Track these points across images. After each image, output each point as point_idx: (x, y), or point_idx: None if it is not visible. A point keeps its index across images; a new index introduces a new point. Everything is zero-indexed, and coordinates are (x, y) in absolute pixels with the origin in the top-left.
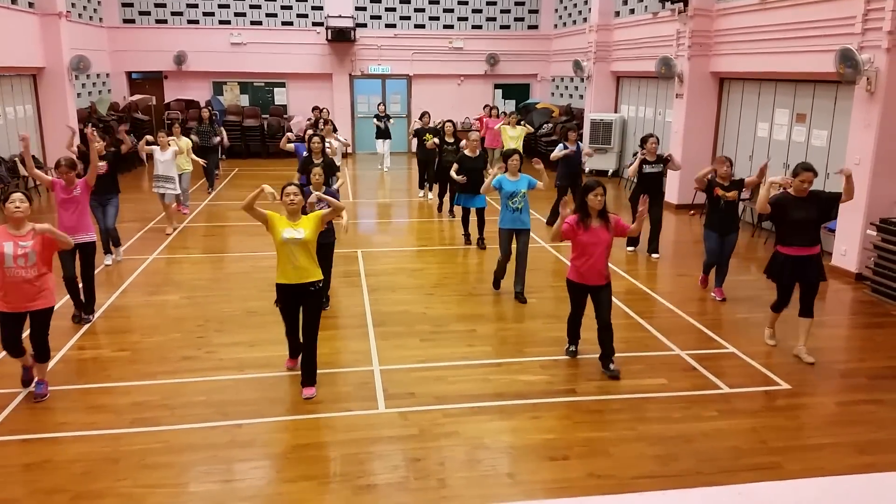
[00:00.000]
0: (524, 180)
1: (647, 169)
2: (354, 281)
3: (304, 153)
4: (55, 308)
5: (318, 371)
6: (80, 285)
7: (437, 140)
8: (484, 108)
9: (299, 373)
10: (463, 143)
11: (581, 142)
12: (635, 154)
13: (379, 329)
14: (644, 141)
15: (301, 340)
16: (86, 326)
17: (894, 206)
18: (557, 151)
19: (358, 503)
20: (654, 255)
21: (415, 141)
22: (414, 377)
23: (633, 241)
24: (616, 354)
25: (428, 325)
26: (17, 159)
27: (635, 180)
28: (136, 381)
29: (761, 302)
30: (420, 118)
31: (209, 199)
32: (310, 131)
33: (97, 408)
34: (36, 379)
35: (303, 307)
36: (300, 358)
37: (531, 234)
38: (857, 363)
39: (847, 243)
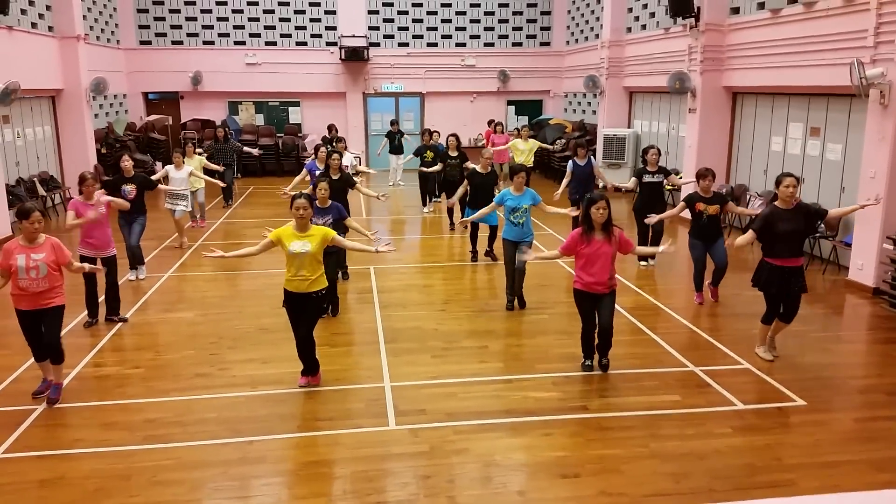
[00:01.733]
0: (528, 196)
1: (648, 178)
2: (367, 297)
3: (318, 171)
4: (67, 324)
5: (329, 388)
6: (101, 298)
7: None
8: (489, 124)
9: (312, 390)
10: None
11: (594, 157)
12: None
13: (390, 345)
14: (645, 152)
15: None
16: (100, 344)
17: None
18: (568, 171)
19: None
20: (650, 263)
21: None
22: (425, 393)
23: (645, 257)
24: (629, 371)
25: (439, 342)
26: (35, 180)
27: (638, 191)
28: (149, 398)
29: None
30: (423, 134)
31: (224, 217)
32: (325, 148)
33: (111, 424)
34: (53, 383)
35: (303, 312)
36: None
37: (542, 248)
38: (876, 379)
39: (864, 258)
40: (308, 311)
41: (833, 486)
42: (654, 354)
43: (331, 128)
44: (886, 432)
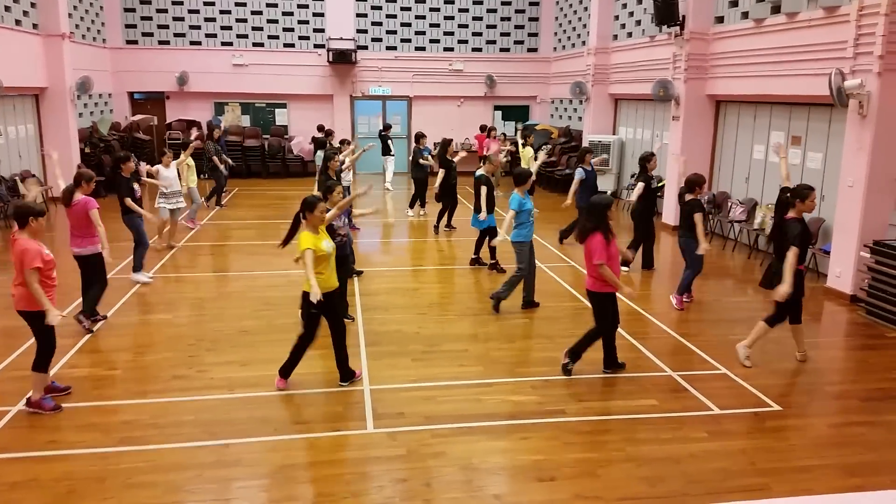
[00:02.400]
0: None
1: (654, 185)
2: (349, 300)
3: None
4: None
5: (308, 391)
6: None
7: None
8: (482, 130)
9: (288, 392)
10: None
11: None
12: (633, 176)
13: (371, 349)
14: (647, 160)
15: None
16: (78, 345)
17: (888, 228)
18: (577, 178)
19: None
20: (629, 268)
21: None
22: (404, 397)
23: (626, 263)
24: (607, 375)
25: (420, 345)
26: (17, 178)
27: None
28: (126, 400)
29: (755, 323)
30: (416, 140)
31: (208, 219)
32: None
33: (86, 426)
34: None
35: (327, 316)
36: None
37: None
38: (850, 385)
39: (842, 265)
40: (334, 310)
41: (805, 490)
42: (633, 359)
43: (321, 128)
44: (859, 437)
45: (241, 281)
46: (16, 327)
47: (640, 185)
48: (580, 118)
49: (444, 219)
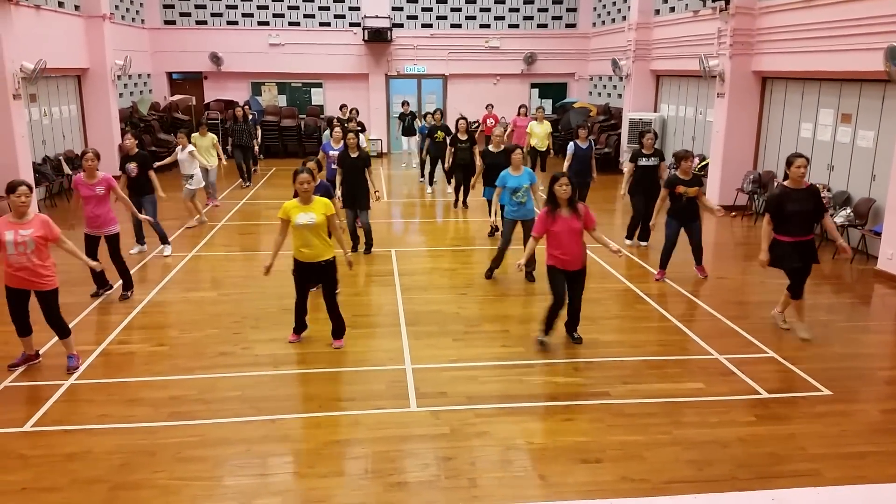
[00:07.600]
0: (526, 175)
1: (643, 162)
2: (388, 280)
3: (333, 151)
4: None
5: (351, 369)
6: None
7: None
8: (487, 108)
9: (331, 370)
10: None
11: (593, 140)
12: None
13: (412, 328)
14: (641, 135)
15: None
16: (125, 321)
17: None
18: (569, 153)
19: (388, 500)
20: (643, 243)
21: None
22: (446, 377)
23: (645, 237)
24: (652, 357)
25: (461, 325)
26: (61, 158)
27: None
28: (173, 376)
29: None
30: (433, 114)
31: (247, 198)
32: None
33: (135, 401)
34: (67, 353)
35: (319, 281)
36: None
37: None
38: None
39: (893, 247)
40: (324, 282)
41: (858, 477)
42: (678, 342)
43: (343, 107)
44: None
45: (280, 260)
46: (64, 304)
47: (629, 164)
48: (619, 95)
49: (460, 195)
